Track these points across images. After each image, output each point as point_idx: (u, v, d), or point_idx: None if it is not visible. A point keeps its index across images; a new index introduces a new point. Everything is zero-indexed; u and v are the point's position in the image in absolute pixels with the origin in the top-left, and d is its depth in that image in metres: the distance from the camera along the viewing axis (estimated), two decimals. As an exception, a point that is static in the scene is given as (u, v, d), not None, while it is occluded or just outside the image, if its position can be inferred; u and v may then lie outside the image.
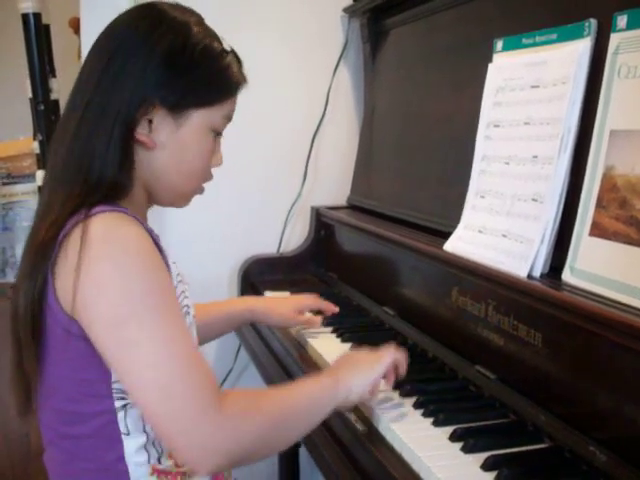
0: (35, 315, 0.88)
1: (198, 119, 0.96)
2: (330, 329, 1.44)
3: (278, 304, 1.42)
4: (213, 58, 0.96)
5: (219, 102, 0.97)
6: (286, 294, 1.73)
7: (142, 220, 0.92)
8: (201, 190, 1.04)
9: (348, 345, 1.34)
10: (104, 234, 0.85)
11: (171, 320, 0.86)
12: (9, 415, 0.97)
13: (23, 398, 0.94)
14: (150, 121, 0.93)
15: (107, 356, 0.85)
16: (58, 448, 0.94)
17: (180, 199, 1.03)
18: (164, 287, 0.87)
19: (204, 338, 1.28)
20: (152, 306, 0.84)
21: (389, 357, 1.06)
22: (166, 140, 0.95)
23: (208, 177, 1.03)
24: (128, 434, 0.91)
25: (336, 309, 1.45)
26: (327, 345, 1.35)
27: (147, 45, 0.93)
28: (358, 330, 1.41)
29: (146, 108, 0.92)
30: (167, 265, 0.93)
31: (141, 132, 0.93)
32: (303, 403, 0.95)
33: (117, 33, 0.96)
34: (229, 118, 1.01)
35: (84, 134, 0.92)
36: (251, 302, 1.42)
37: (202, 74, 0.95)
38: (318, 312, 1.46)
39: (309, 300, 1.45)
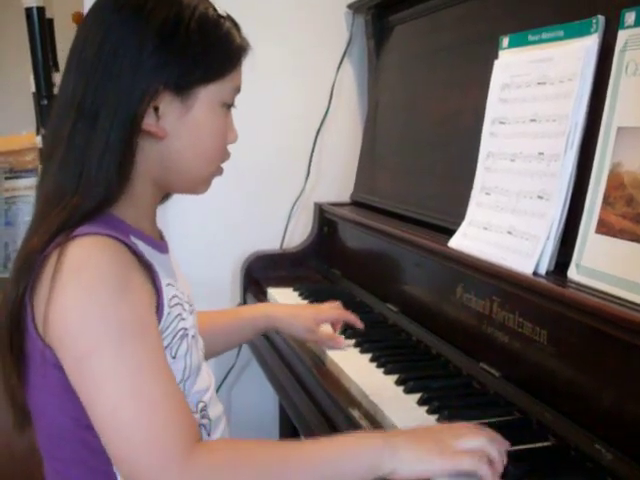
0: (13, 325, 0.82)
1: (207, 97, 0.88)
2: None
3: (299, 312, 1.29)
4: (211, 27, 0.88)
5: (226, 74, 0.89)
6: (289, 290, 1.73)
7: (127, 239, 0.83)
8: (220, 171, 0.96)
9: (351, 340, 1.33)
10: (75, 263, 0.78)
11: (139, 355, 0.78)
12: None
13: (17, 412, 0.89)
14: (156, 108, 0.85)
15: (76, 390, 0.79)
16: (50, 467, 0.90)
17: (200, 185, 0.95)
18: (134, 319, 0.79)
19: (222, 346, 1.22)
20: (116, 340, 0.77)
21: (469, 460, 0.79)
22: (176, 126, 0.87)
23: (226, 156, 0.95)
24: None
25: (361, 325, 1.32)
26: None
27: (137, 26, 0.84)
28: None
29: (150, 97, 0.84)
30: (157, 289, 0.85)
31: (149, 123, 0.85)
32: (318, 463, 0.79)
33: (101, 17, 0.86)
34: (238, 89, 0.93)
35: (79, 144, 0.84)
36: (270, 308, 1.33)
37: (203, 47, 0.87)
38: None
39: (331, 311, 1.31)
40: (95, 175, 0.83)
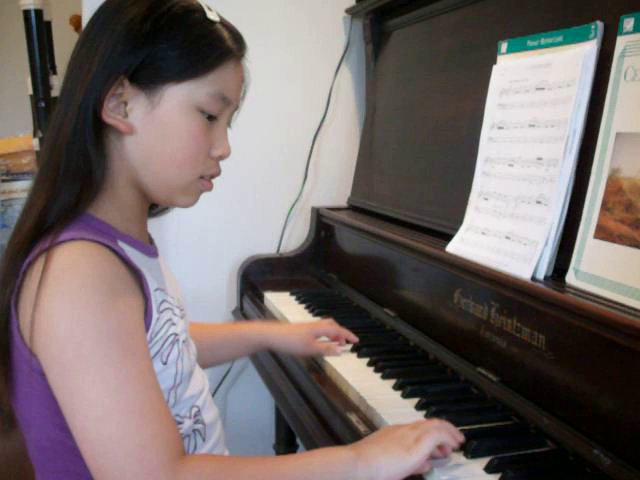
0: (1, 333, 0.81)
1: (176, 96, 0.85)
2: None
3: (294, 329, 1.31)
4: (186, 26, 0.85)
5: (197, 75, 0.85)
6: (285, 294, 1.73)
7: (114, 244, 0.82)
8: (207, 186, 0.92)
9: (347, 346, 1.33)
10: (62, 270, 0.77)
11: (126, 364, 0.76)
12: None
13: (3, 418, 0.86)
14: (126, 103, 0.84)
15: (58, 400, 0.77)
16: (42, 477, 0.87)
17: (177, 194, 0.90)
18: (122, 327, 0.78)
19: (212, 359, 1.20)
20: (104, 348, 0.75)
21: (430, 440, 0.85)
22: (143, 123, 0.85)
23: (208, 168, 0.90)
24: None
25: (356, 339, 1.33)
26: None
27: (116, 16, 0.84)
28: (358, 331, 1.41)
29: (110, 85, 0.82)
30: (146, 295, 0.84)
31: (112, 115, 0.83)
32: (299, 478, 0.80)
33: (92, 18, 0.87)
34: (222, 98, 0.88)
35: (56, 124, 0.84)
36: (266, 327, 1.32)
37: (172, 43, 0.84)
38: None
39: (326, 326, 1.33)
40: (64, 173, 0.83)
